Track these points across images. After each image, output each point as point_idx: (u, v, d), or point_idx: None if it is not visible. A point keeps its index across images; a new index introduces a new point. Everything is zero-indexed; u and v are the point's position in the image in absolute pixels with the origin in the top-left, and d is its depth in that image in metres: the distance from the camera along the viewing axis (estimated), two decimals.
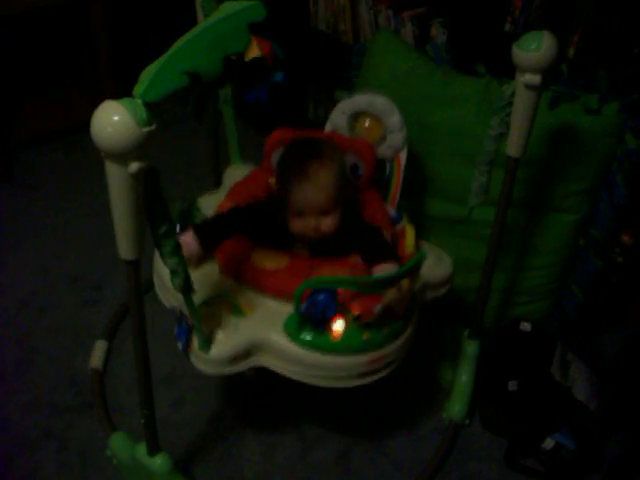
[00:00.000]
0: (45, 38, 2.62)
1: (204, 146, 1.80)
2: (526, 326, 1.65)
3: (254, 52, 1.21)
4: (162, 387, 1.66)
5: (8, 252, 2.08)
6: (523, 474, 1.54)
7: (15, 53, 2.60)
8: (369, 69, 1.74)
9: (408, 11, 1.94)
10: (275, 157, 1.42)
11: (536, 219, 1.61)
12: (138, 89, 0.89)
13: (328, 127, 1.53)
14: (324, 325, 1.21)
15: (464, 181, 1.55)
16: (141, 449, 1.31)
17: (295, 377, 1.26)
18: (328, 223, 1.28)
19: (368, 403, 1.66)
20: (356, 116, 1.49)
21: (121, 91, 0.90)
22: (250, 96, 1.28)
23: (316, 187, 1.26)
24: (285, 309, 1.23)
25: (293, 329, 1.22)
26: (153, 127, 0.86)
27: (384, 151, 1.47)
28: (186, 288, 1.12)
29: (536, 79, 1.17)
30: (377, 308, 1.20)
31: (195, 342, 1.22)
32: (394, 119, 1.44)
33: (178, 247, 1.06)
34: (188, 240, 1.26)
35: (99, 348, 1.74)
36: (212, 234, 1.31)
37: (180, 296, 1.14)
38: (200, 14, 1.38)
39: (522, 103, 1.23)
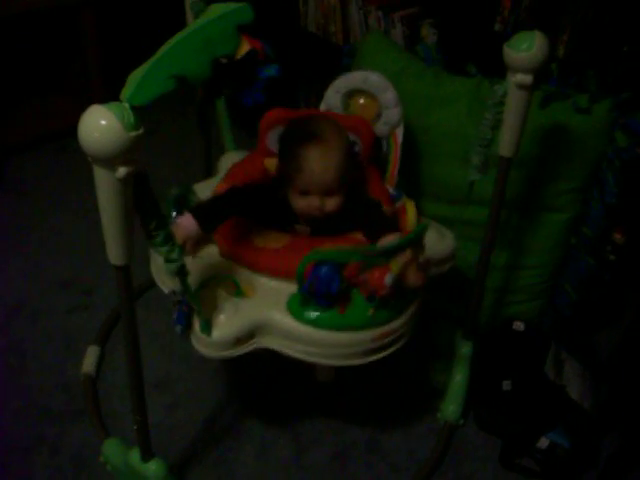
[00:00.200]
0: (35, 43, 2.61)
1: (195, 150, 1.79)
2: (519, 325, 1.66)
3: (245, 50, 1.20)
4: (156, 391, 1.65)
5: None
6: (518, 473, 1.54)
7: (4, 58, 2.58)
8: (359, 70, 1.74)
9: (398, 12, 1.94)
10: (271, 137, 1.40)
11: (528, 218, 1.61)
12: (125, 93, 0.88)
13: (322, 107, 1.51)
14: (330, 300, 1.18)
15: (456, 181, 1.55)
16: (134, 455, 1.30)
17: (299, 356, 1.23)
18: (332, 203, 1.27)
19: (362, 404, 1.66)
20: (350, 95, 1.48)
21: (111, 95, 0.89)
22: (247, 99, 1.27)
23: (324, 167, 1.23)
24: (287, 288, 1.22)
25: (296, 307, 1.20)
26: (141, 131, 0.85)
27: (380, 128, 1.46)
28: (181, 272, 1.09)
29: (527, 79, 1.17)
30: (388, 279, 1.14)
31: (196, 325, 1.19)
32: (389, 95, 1.43)
33: (170, 236, 1.04)
34: (186, 222, 1.24)
35: (91, 353, 1.73)
36: (211, 215, 1.28)
37: (177, 280, 1.12)
38: (189, 16, 1.37)
39: (514, 103, 1.23)
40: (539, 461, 1.53)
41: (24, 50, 2.62)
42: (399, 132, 1.45)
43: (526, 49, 1.15)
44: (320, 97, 1.52)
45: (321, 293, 1.16)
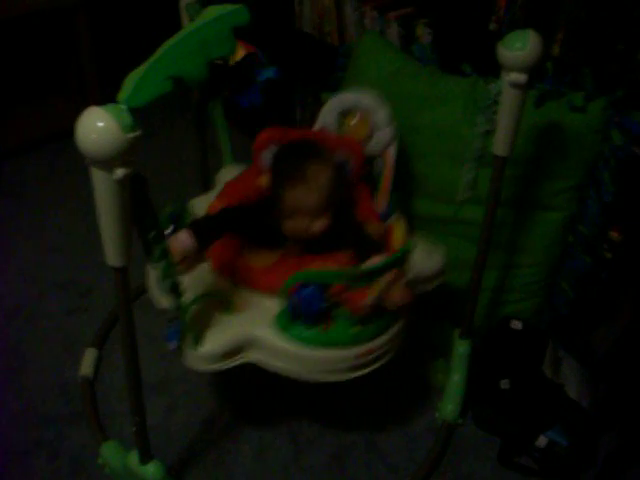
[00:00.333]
0: (30, 45, 2.61)
1: (193, 153, 1.79)
2: (517, 324, 1.66)
3: (241, 55, 1.21)
4: (155, 393, 1.65)
5: None
6: (517, 472, 1.54)
7: (0, 61, 2.58)
8: (355, 70, 1.74)
9: (393, 12, 1.94)
10: (265, 156, 1.42)
11: (524, 217, 1.62)
12: (122, 95, 0.88)
13: (318, 125, 1.53)
14: (313, 319, 1.22)
15: (451, 180, 1.55)
16: (133, 457, 1.30)
17: (285, 373, 1.27)
18: (319, 225, 1.30)
19: (360, 405, 1.66)
20: (345, 114, 1.50)
21: (107, 98, 0.89)
22: (243, 101, 1.28)
23: (309, 191, 1.27)
24: (276, 306, 1.25)
25: (283, 324, 1.24)
26: (138, 133, 0.85)
27: (372, 147, 1.47)
28: (174, 289, 1.13)
29: (522, 78, 1.18)
30: (367, 301, 1.20)
31: (187, 341, 1.22)
32: (381, 115, 1.45)
33: (166, 251, 1.06)
34: (184, 237, 1.26)
35: (89, 356, 1.73)
36: (205, 233, 1.31)
37: (170, 297, 1.15)
38: (185, 18, 1.37)
39: (508, 102, 1.23)
40: (537, 459, 1.53)
41: (20, 53, 2.62)
42: (391, 150, 1.47)
43: (520, 48, 1.15)
44: (315, 98, 1.53)
45: (304, 312, 1.20)
